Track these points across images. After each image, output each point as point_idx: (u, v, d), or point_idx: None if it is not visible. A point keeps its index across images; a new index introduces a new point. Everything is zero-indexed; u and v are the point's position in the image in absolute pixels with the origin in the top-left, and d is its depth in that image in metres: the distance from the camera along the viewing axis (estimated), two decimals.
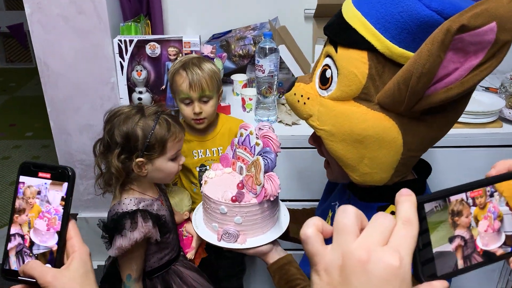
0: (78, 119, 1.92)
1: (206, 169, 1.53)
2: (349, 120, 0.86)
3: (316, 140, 1.02)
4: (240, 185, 1.14)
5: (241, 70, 2.01)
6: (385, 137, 0.84)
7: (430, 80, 0.75)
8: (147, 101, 1.65)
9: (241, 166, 1.20)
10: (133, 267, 1.15)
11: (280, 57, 1.71)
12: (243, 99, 1.83)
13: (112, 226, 1.12)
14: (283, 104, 1.84)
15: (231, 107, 1.79)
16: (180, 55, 1.60)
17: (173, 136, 1.17)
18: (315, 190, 1.79)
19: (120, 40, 1.53)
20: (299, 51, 2.05)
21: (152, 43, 1.57)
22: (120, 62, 1.57)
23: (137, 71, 1.60)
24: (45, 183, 0.65)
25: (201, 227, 1.18)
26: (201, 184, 1.53)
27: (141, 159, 1.13)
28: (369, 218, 0.94)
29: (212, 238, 1.14)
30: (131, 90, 1.62)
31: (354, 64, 0.84)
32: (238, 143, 1.20)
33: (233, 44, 1.94)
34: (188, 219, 1.44)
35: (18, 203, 0.64)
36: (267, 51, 1.63)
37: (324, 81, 0.93)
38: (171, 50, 1.59)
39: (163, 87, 1.64)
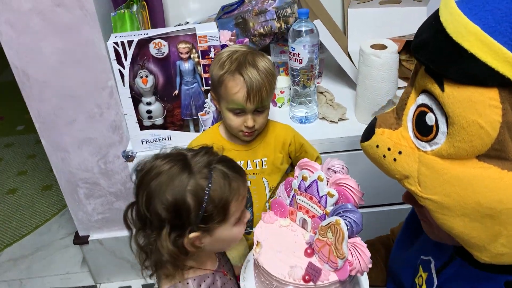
0: (74, 133, 1.59)
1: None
2: (474, 189, 0.60)
3: (414, 200, 0.72)
4: (309, 251, 0.84)
5: (263, 51, 1.65)
6: None
7: None
8: (158, 112, 1.31)
9: (303, 219, 0.90)
10: None
11: None
12: None
13: None
14: (321, 93, 1.50)
15: None
16: (194, 50, 1.25)
17: (237, 195, 0.84)
18: (371, 196, 1.49)
19: (116, 43, 1.17)
20: (330, 19, 1.69)
21: (157, 41, 1.21)
22: (119, 70, 1.22)
23: (141, 77, 1.25)
24: None
25: None
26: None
27: (196, 233, 0.81)
28: None
29: None
30: (136, 101, 1.28)
31: (477, 109, 0.56)
32: (299, 188, 0.88)
33: (251, 21, 1.57)
34: None
35: None
36: (303, 34, 1.28)
37: (425, 130, 0.64)
38: (182, 47, 1.23)
39: (176, 92, 1.30)
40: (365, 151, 0.72)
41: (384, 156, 0.68)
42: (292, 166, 1.33)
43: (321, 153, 1.32)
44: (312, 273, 0.78)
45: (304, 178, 0.86)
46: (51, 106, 1.52)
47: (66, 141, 1.60)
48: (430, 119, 0.62)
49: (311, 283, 0.78)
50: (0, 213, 2.49)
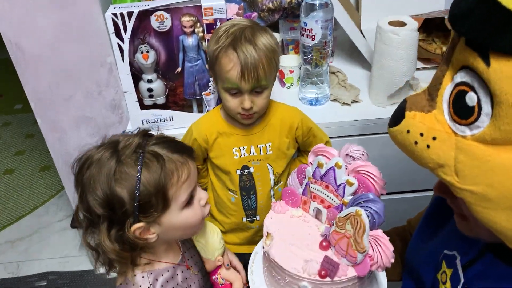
0: (71, 112, 1.52)
1: (249, 172, 1.15)
2: None
3: (449, 189, 0.65)
4: (324, 244, 0.77)
5: (271, 27, 1.56)
6: None
7: None
8: (159, 91, 1.23)
9: (318, 209, 0.82)
10: None
11: None
12: (281, 71, 1.41)
13: None
14: (333, 73, 1.42)
15: None
16: (198, 24, 1.16)
17: (174, 177, 0.76)
18: (386, 183, 1.42)
19: (115, 14, 1.09)
20: None
21: (159, 13, 1.12)
22: (118, 44, 1.13)
23: (142, 52, 1.17)
24: None
25: None
26: (243, 196, 1.18)
27: (138, 225, 0.75)
28: None
29: None
30: (137, 78, 1.20)
31: None
32: (313, 176, 0.81)
33: None
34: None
35: None
36: (317, 8, 1.19)
37: (465, 113, 0.56)
38: (186, 21, 1.15)
39: (179, 69, 1.22)
40: (394, 137, 0.64)
41: (416, 143, 0.60)
42: (299, 151, 1.25)
43: (332, 138, 1.24)
44: (329, 268, 0.71)
45: (319, 165, 0.79)
46: (47, 83, 1.44)
47: (63, 120, 1.53)
48: (471, 99, 0.54)
49: (328, 278, 0.71)
50: None
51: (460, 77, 0.56)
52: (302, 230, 0.81)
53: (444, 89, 0.59)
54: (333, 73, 1.41)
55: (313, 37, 1.21)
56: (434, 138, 0.58)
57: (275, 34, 1.30)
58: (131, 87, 1.21)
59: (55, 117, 1.52)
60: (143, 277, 0.80)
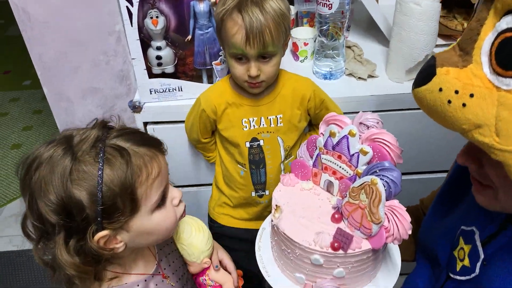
0: (78, 82, 1.48)
1: (259, 145, 1.11)
2: None
3: (475, 157, 0.59)
4: (337, 216, 0.73)
5: None
6: None
7: None
8: (168, 59, 1.18)
9: (329, 181, 0.78)
10: None
11: None
12: (294, 44, 1.35)
13: None
14: (349, 47, 1.36)
15: None
16: None
17: (143, 174, 0.66)
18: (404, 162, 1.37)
19: None
20: None
21: None
22: (127, 7, 1.09)
23: (151, 18, 1.12)
24: None
25: (274, 274, 0.79)
26: (252, 169, 1.14)
27: (102, 233, 0.65)
28: None
29: None
30: (145, 45, 1.15)
31: None
32: (325, 146, 0.76)
33: None
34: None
35: None
36: None
37: (509, 62, 0.49)
38: None
39: (189, 37, 1.17)
40: (421, 98, 0.57)
41: (450, 102, 0.54)
42: (310, 125, 1.21)
43: (346, 113, 1.18)
44: (342, 240, 0.67)
45: (331, 134, 0.74)
46: (53, 51, 1.40)
47: (69, 90, 1.49)
48: None
49: (341, 251, 0.67)
50: (3, 167, 2.41)
51: (506, 23, 0.51)
52: (313, 203, 0.77)
53: (483, 40, 0.53)
54: (349, 47, 1.36)
55: (330, 6, 1.15)
56: (471, 95, 0.53)
57: (290, 6, 1.25)
58: (140, 54, 1.16)
59: (61, 86, 1.49)
60: None
